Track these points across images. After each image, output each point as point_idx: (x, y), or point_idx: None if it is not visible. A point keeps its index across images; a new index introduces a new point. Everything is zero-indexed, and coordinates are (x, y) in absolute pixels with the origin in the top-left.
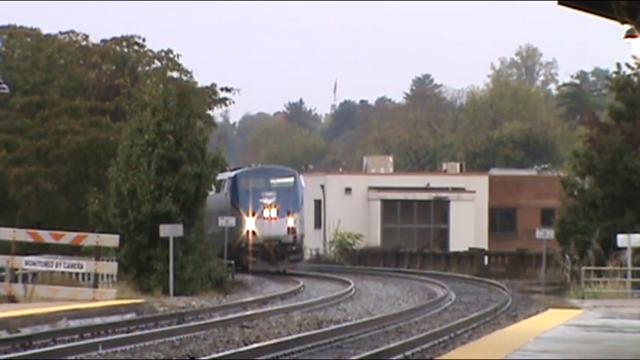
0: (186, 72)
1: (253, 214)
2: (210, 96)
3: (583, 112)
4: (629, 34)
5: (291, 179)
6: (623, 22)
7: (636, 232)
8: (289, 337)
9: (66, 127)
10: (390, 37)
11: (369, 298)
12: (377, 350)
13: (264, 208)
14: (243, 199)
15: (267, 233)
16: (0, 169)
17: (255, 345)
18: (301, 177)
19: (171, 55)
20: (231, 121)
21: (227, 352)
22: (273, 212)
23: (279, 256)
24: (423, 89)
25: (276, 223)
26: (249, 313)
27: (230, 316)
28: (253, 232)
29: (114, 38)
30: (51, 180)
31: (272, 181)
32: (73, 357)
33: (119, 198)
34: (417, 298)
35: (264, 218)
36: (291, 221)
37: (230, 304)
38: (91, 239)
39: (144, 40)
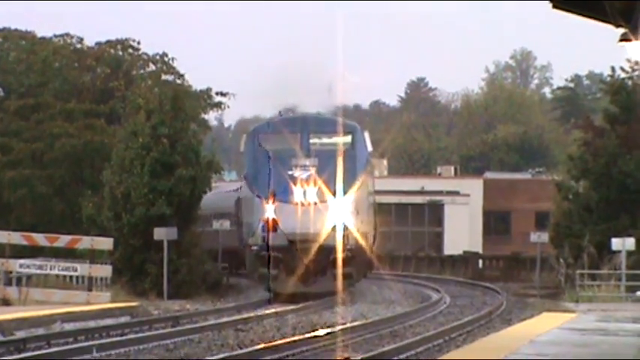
0: (181, 75)
1: (274, 196)
2: (206, 100)
3: (577, 116)
4: (624, 38)
5: (348, 138)
6: (618, 26)
7: (631, 236)
8: (283, 341)
9: (61, 130)
10: (384, 39)
11: (364, 301)
12: (371, 354)
13: (294, 184)
14: (261, 168)
15: (298, 228)
16: None
17: (249, 349)
18: (367, 134)
19: (165, 59)
20: (226, 125)
21: (221, 356)
22: (311, 193)
23: (318, 267)
24: (418, 92)
25: (315, 212)
26: (243, 316)
27: (225, 319)
28: (274, 226)
29: (108, 41)
30: (45, 183)
31: (313, 140)
32: None
33: (113, 201)
34: (412, 302)
35: (295, 203)
36: (341, 208)
37: (224, 308)
38: (85, 242)
39: (138, 43)
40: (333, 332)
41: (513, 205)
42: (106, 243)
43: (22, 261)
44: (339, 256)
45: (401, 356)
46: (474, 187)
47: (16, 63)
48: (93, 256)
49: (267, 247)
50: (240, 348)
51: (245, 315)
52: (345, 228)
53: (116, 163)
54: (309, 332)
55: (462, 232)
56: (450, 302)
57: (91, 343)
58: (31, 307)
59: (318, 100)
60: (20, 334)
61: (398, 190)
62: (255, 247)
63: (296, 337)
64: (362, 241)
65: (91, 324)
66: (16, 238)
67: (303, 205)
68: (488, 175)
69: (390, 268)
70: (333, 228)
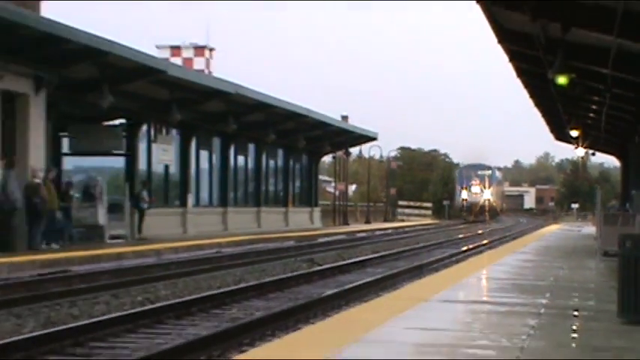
0: (449, 157)
1: (466, 189)
2: (454, 164)
3: (562, 171)
4: (575, 147)
5: (489, 171)
6: (574, 143)
7: (577, 203)
8: (470, 234)
9: (420, 175)
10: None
11: (497, 223)
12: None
13: (473, 185)
14: (461, 181)
15: (474, 199)
16: (400, 185)
17: (465, 235)
18: (497, 171)
19: (444, 152)
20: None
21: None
22: (477, 189)
23: (480, 212)
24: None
25: (479, 195)
26: (462, 226)
27: (459, 226)
28: (465, 200)
29: (429, 150)
30: (415, 188)
31: (479, 172)
32: (414, 238)
33: (433, 194)
34: (514, 223)
35: (473, 192)
36: (487, 194)
37: (458, 223)
38: (425, 204)
39: (439, 150)
40: (490, 230)
41: (544, 195)
42: (430, 205)
43: (400, 209)
44: (487, 209)
45: (513, 237)
46: (532, 190)
47: (405, 161)
48: (424, 208)
49: (463, 205)
50: (463, 234)
51: (464, 226)
52: (489, 201)
53: (434, 184)
54: (480, 229)
55: (529, 202)
56: (525, 222)
57: (426, 232)
58: (405, 224)
59: (489, 161)
60: (399, 232)
61: (510, 190)
62: (457, 207)
63: (476, 233)
64: (495, 205)
65: (428, 227)
66: (404, 203)
67: (475, 193)
68: (537, 187)
69: (508, 214)
70: (484, 200)
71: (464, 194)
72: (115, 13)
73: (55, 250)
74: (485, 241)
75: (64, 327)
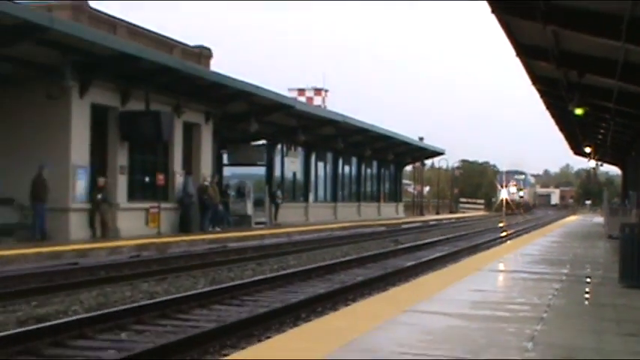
0: (491, 165)
1: (506, 189)
2: (495, 169)
3: (578, 177)
4: (589, 159)
5: (523, 176)
6: (587, 157)
7: (589, 199)
8: (506, 223)
9: (479, 181)
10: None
11: (530, 215)
12: (510, 232)
13: (510, 187)
14: (502, 183)
15: (510, 198)
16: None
17: (507, 224)
18: (530, 175)
19: (490, 163)
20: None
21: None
22: (514, 189)
23: (515, 207)
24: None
25: (515, 194)
26: (500, 216)
27: (501, 218)
28: (506, 198)
29: (484, 162)
30: (472, 191)
31: (515, 176)
32: (470, 225)
33: (484, 194)
34: (543, 215)
35: (510, 192)
36: (521, 193)
37: (499, 214)
38: (479, 201)
39: (493, 162)
40: (525, 220)
41: (566, 195)
42: (482, 201)
43: (461, 204)
44: (522, 205)
45: (542, 224)
46: (557, 191)
47: (464, 170)
48: (478, 203)
49: (502, 202)
50: (504, 223)
51: (506, 217)
52: (523, 198)
53: (485, 187)
54: (518, 220)
55: (554, 200)
56: (552, 214)
57: (477, 221)
58: (463, 214)
59: (524, 169)
60: (456, 220)
61: (541, 190)
62: (497, 203)
63: (515, 222)
64: (528, 202)
65: (480, 218)
66: (464, 200)
67: (512, 192)
68: (561, 188)
69: (539, 208)
70: (519, 197)
71: (504, 193)
72: (261, 63)
73: (217, 232)
74: (521, 228)
75: (225, 285)
